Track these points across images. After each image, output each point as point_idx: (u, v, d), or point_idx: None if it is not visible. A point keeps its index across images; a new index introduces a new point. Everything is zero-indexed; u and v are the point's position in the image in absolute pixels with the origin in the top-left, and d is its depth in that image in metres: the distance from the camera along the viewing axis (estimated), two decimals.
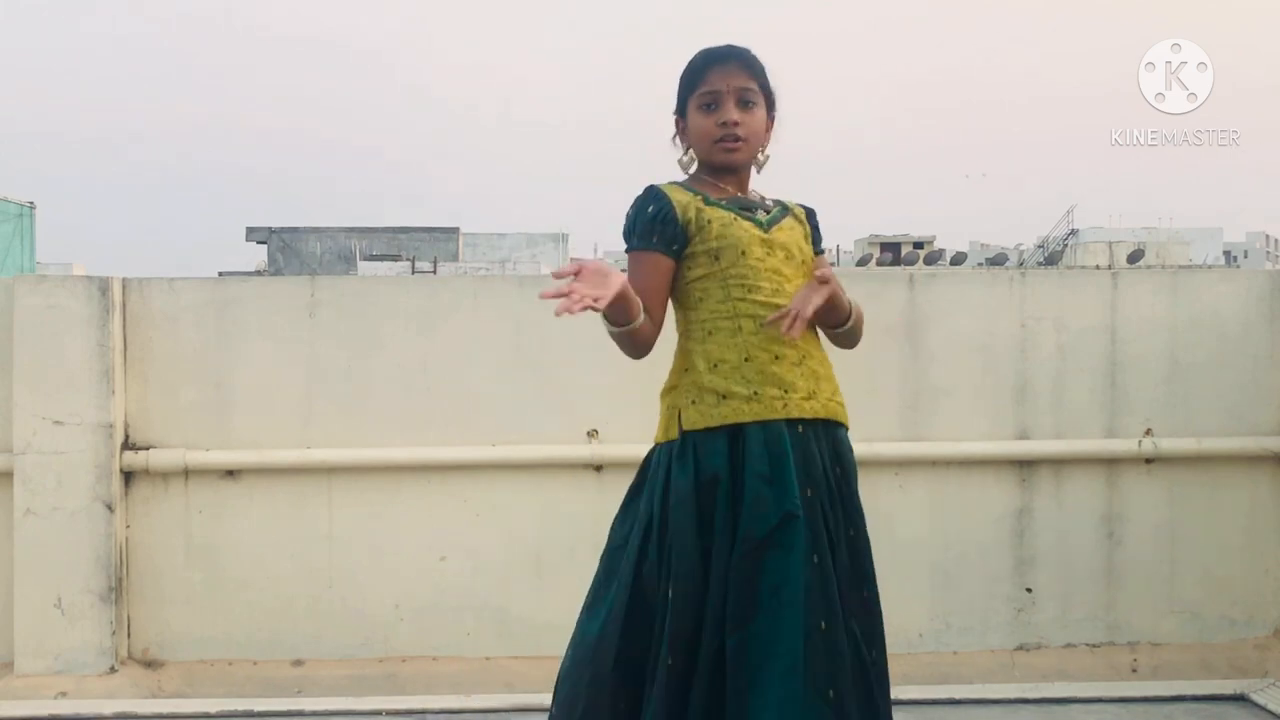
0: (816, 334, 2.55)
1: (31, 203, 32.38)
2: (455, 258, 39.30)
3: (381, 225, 42.12)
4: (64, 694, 3.88)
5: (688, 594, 2.33)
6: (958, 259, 45.51)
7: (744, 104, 2.49)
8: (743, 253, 2.43)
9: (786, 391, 2.40)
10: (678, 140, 2.58)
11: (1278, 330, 4.28)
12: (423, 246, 39.48)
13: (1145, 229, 45.45)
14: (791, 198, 2.66)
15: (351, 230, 41.77)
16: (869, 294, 4.24)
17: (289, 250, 40.61)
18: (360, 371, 4.15)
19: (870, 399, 4.19)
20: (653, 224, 2.45)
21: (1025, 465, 4.23)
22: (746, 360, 2.40)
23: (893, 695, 3.87)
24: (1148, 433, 4.24)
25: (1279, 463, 4.27)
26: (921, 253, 47.33)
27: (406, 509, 4.15)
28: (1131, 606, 4.24)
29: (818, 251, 2.63)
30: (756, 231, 2.46)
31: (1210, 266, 35.45)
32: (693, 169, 2.58)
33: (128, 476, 4.08)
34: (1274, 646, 4.22)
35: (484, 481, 4.15)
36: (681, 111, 2.55)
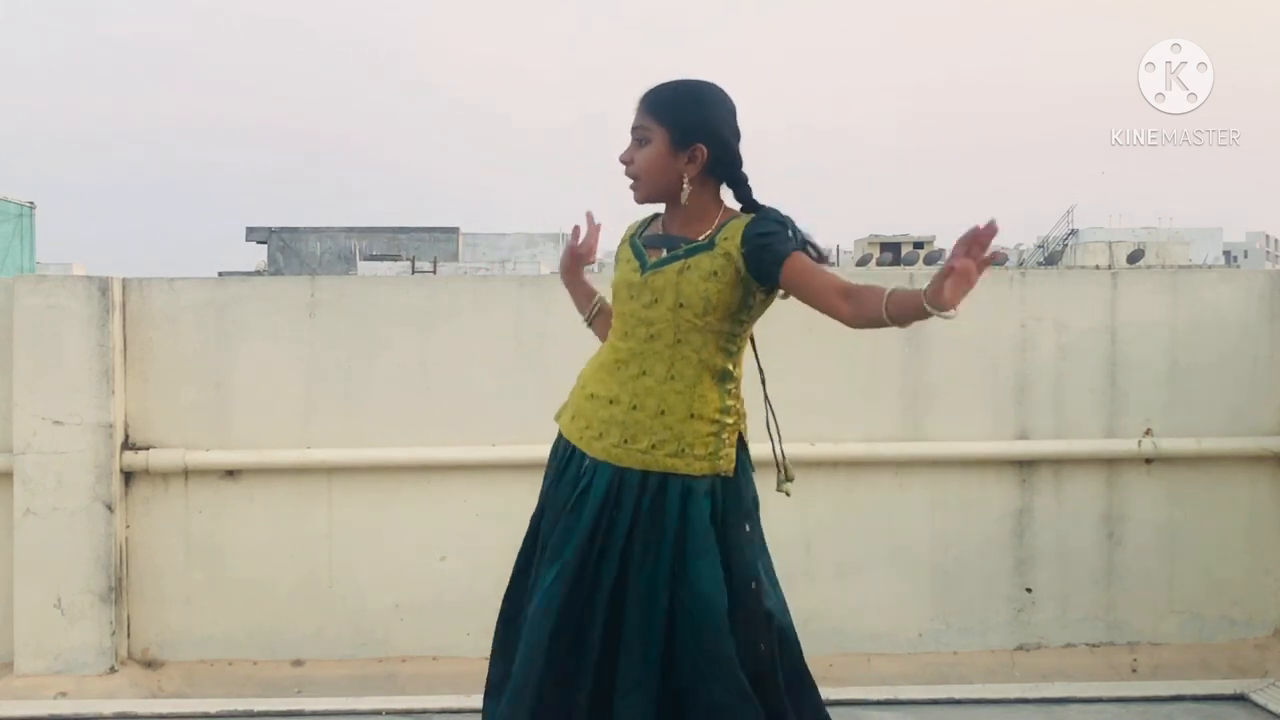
0: (696, 388, 2.50)
1: (31, 203, 32.38)
2: (455, 258, 39.32)
3: (381, 225, 42.14)
4: (64, 694, 3.88)
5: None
6: None
7: (639, 142, 2.57)
8: (615, 295, 2.63)
9: (590, 425, 2.59)
10: None
11: (1278, 330, 4.28)
12: (423, 246, 39.50)
13: (1145, 229, 45.42)
14: (788, 210, 2.56)
15: (351, 230, 41.80)
16: None
17: (289, 250, 40.62)
18: (360, 371, 4.15)
19: (870, 399, 4.20)
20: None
21: (1025, 465, 4.23)
22: (582, 386, 2.67)
23: (893, 695, 3.90)
24: (1148, 433, 4.24)
25: (1279, 463, 4.27)
26: (921, 253, 47.30)
27: (406, 509, 4.15)
28: (1131, 606, 4.24)
29: (775, 268, 2.45)
30: (632, 276, 2.58)
31: (1210, 266, 35.43)
32: None
33: (128, 476, 4.08)
34: (1274, 646, 4.22)
35: (484, 481, 4.15)
36: None
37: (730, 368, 2.55)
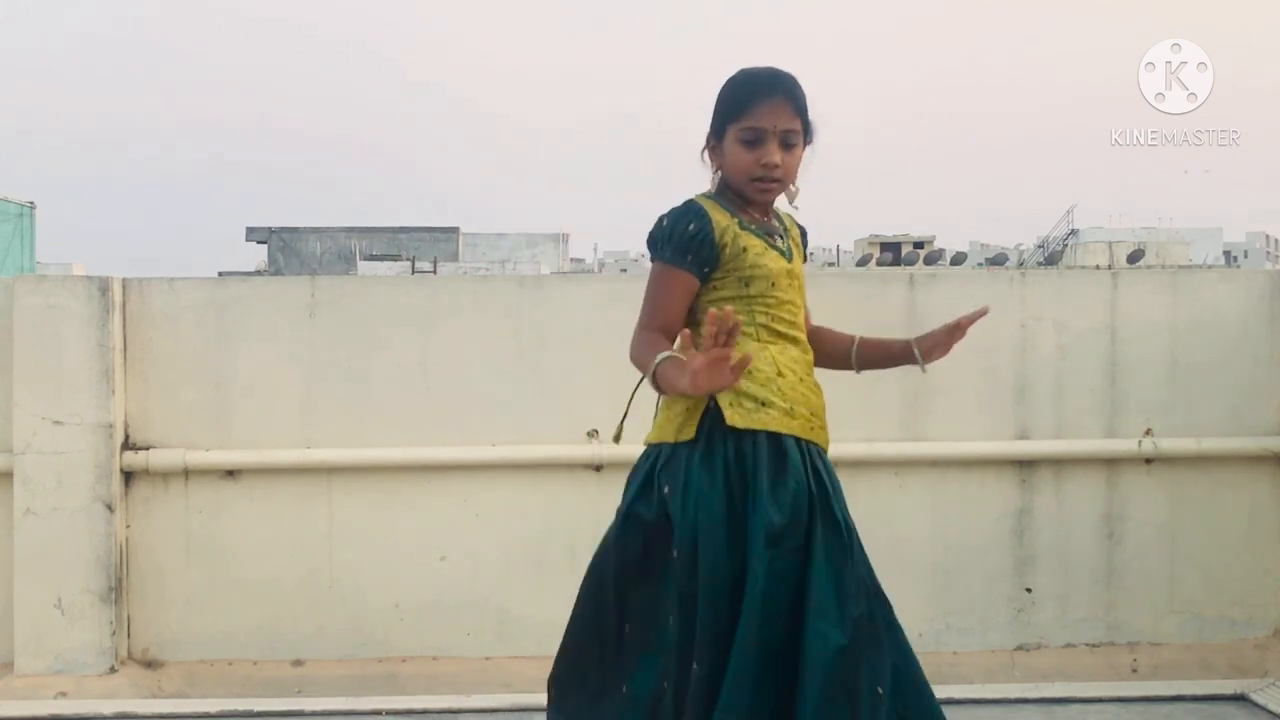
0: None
1: (31, 203, 32.38)
2: (455, 258, 39.33)
3: (381, 225, 42.15)
4: (64, 694, 3.88)
5: (720, 593, 2.31)
6: (958, 259, 45.52)
7: (786, 145, 2.44)
8: (772, 284, 2.45)
9: (812, 414, 2.48)
10: (706, 157, 2.53)
11: (1278, 330, 4.28)
12: (423, 246, 39.51)
13: (1145, 229, 45.43)
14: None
15: (351, 230, 41.81)
16: (869, 294, 4.26)
17: (289, 250, 40.63)
18: (360, 371, 4.15)
19: (870, 399, 4.19)
20: (690, 243, 2.40)
21: (1025, 465, 4.23)
22: (780, 375, 2.43)
23: None
24: (1148, 433, 4.24)
25: (1279, 463, 4.27)
26: (921, 253, 47.35)
27: (406, 509, 4.15)
28: (1131, 606, 4.24)
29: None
30: (783, 263, 2.48)
31: (1210, 266, 35.45)
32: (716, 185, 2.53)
33: (128, 476, 4.08)
34: (1274, 646, 4.21)
35: (484, 481, 4.15)
36: (719, 134, 2.48)
37: None
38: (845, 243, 51.28)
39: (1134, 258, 39.26)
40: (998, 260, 45.46)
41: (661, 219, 2.45)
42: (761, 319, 2.45)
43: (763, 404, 2.39)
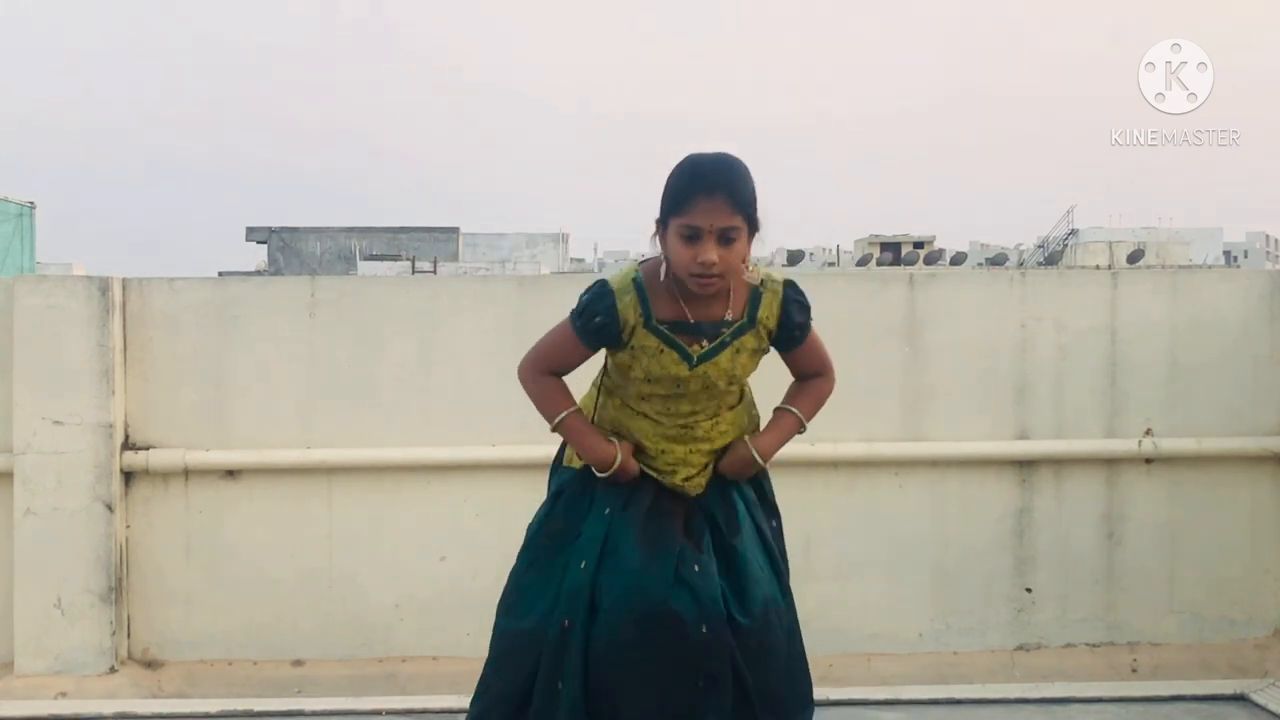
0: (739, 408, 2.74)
1: (31, 203, 32.38)
2: (455, 258, 39.32)
3: (381, 225, 42.13)
4: (64, 694, 3.88)
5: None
6: (958, 259, 45.55)
7: (725, 241, 2.48)
8: (649, 380, 2.60)
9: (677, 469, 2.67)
10: (656, 243, 2.60)
11: (1278, 330, 4.28)
12: (423, 246, 39.49)
13: (1145, 229, 45.43)
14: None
15: (351, 230, 41.79)
16: (869, 294, 4.26)
17: (289, 250, 40.62)
18: (360, 371, 4.15)
19: (870, 399, 4.19)
20: (593, 330, 2.61)
21: (1025, 465, 4.23)
22: (619, 437, 2.69)
23: (893, 695, 3.90)
24: (1148, 433, 4.24)
25: (1279, 463, 4.27)
26: (921, 253, 47.36)
27: (406, 509, 4.15)
28: (1131, 606, 4.24)
29: (793, 348, 2.72)
30: (677, 370, 2.58)
31: (1210, 266, 35.45)
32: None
33: (128, 476, 4.08)
34: (1274, 646, 4.21)
35: (484, 481, 4.15)
36: (664, 224, 2.54)
37: (749, 394, 2.79)
38: (845, 243, 51.34)
39: (1134, 258, 39.27)
40: (998, 260, 45.48)
41: (584, 293, 2.63)
42: (636, 393, 2.65)
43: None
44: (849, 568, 4.20)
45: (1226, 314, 4.29)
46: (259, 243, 41.50)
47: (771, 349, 2.70)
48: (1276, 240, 58.39)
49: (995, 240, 52.77)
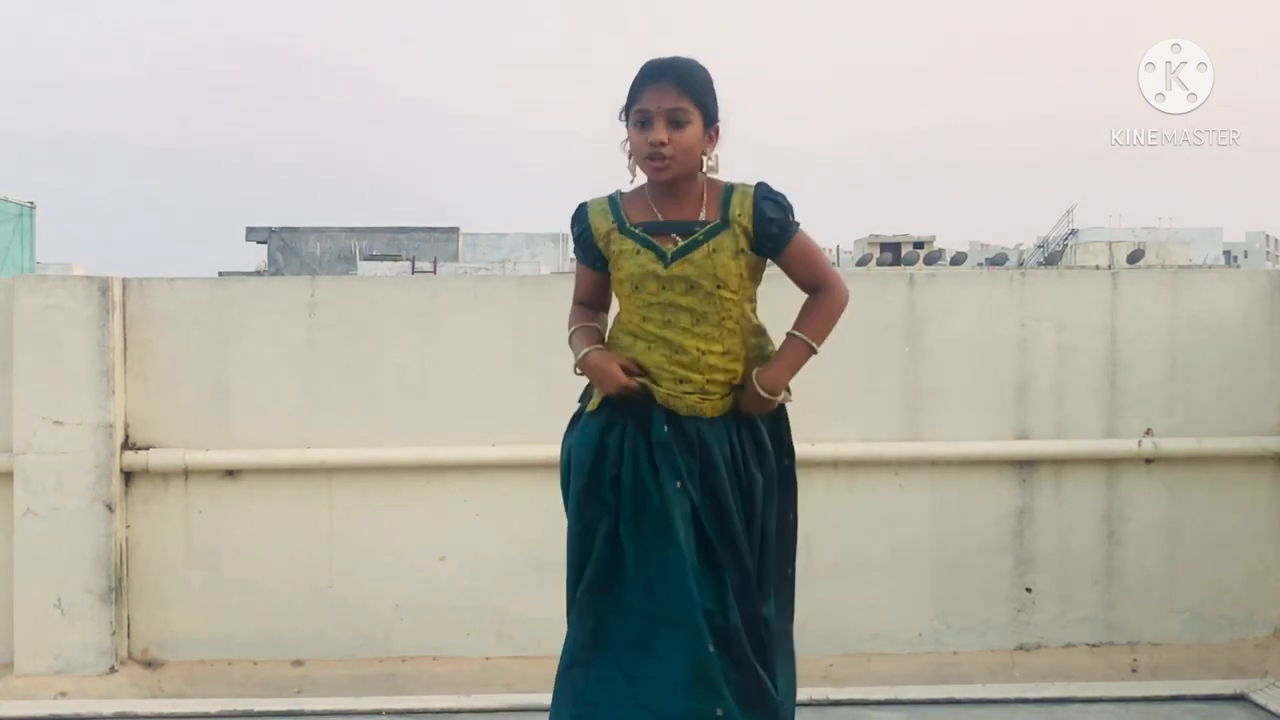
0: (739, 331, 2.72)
1: (31, 203, 32.38)
2: (455, 258, 39.30)
3: (381, 225, 42.11)
4: (64, 694, 3.88)
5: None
6: (958, 259, 45.53)
7: (674, 124, 2.60)
8: (635, 287, 2.67)
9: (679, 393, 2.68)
10: (625, 147, 2.71)
11: (1278, 330, 4.28)
12: (423, 246, 39.47)
13: (1145, 229, 45.40)
14: (781, 184, 2.71)
15: (351, 230, 41.77)
16: (869, 294, 4.25)
17: (289, 250, 40.61)
18: (360, 371, 4.15)
19: (870, 399, 4.20)
20: (578, 243, 2.79)
21: (1025, 465, 4.23)
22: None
23: (893, 695, 3.91)
24: (1148, 433, 4.24)
25: (1279, 463, 4.27)
26: (921, 253, 47.36)
27: (406, 509, 4.15)
28: (1131, 606, 4.24)
29: (779, 250, 2.70)
30: (653, 266, 2.64)
31: (1210, 266, 35.42)
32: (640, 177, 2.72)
33: (128, 476, 4.08)
34: (1274, 646, 4.21)
35: (484, 481, 4.15)
36: (626, 121, 2.69)
37: (761, 325, 2.78)
38: (845, 243, 51.29)
39: (1134, 258, 39.25)
40: (998, 260, 45.44)
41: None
42: (636, 318, 2.69)
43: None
44: (849, 568, 4.20)
45: (1226, 314, 4.29)
46: (259, 243, 41.49)
47: (765, 259, 2.73)
48: (1276, 240, 58.34)
49: (995, 240, 52.75)
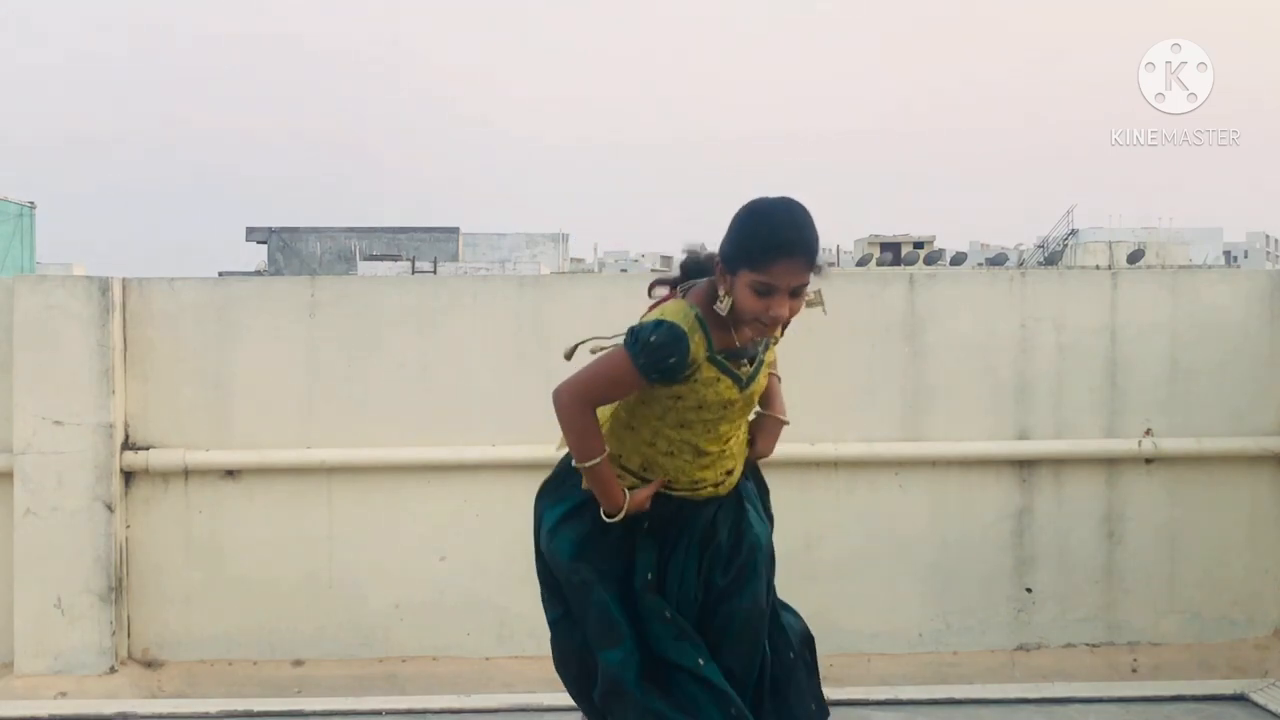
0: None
1: (32, 203, 32.40)
2: (455, 258, 39.30)
3: (381, 225, 42.12)
4: (64, 694, 3.88)
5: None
6: (958, 259, 45.54)
7: (795, 295, 2.53)
8: (707, 408, 2.63)
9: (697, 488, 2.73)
10: (722, 289, 2.57)
11: (1278, 330, 4.28)
12: (423, 246, 39.48)
13: (1145, 229, 45.41)
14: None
15: (351, 230, 41.77)
16: (869, 294, 4.26)
17: (289, 250, 40.62)
18: (360, 371, 4.15)
19: (870, 399, 4.20)
20: (664, 368, 2.57)
21: (1025, 465, 4.23)
22: (646, 470, 2.71)
23: (893, 695, 3.91)
24: (1148, 433, 4.24)
25: (1279, 463, 4.27)
26: (921, 253, 47.36)
27: (406, 509, 4.15)
28: (1131, 606, 4.24)
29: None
30: (731, 394, 2.64)
31: (1210, 266, 35.42)
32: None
33: (128, 476, 4.08)
34: (1274, 646, 4.22)
35: (484, 481, 4.15)
36: (730, 268, 2.54)
37: None
38: (845, 243, 51.31)
39: (1134, 258, 39.24)
40: (998, 260, 45.43)
41: (650, 333, 2.56)
42: (686, 432, 2.66)
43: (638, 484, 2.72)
44: (849, 568, 4.20)
45: (1226, 314, 4.29)
46: (259, 243, 41.49)
47: None
48: (1276, 240, 58.37)
49: (995, 240, 52.80)
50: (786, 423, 2.86)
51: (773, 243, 2.49)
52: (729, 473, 2.74)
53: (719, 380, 2.61)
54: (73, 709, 3.80)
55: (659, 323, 2.57)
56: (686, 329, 2.56)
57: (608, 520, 2.67)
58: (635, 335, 2.58)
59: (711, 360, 2.59)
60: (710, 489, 2.72)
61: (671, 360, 2.55)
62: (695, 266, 2.71)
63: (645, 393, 2.64)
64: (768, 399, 2.85)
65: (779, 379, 2.87)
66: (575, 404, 2.67)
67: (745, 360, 2.64)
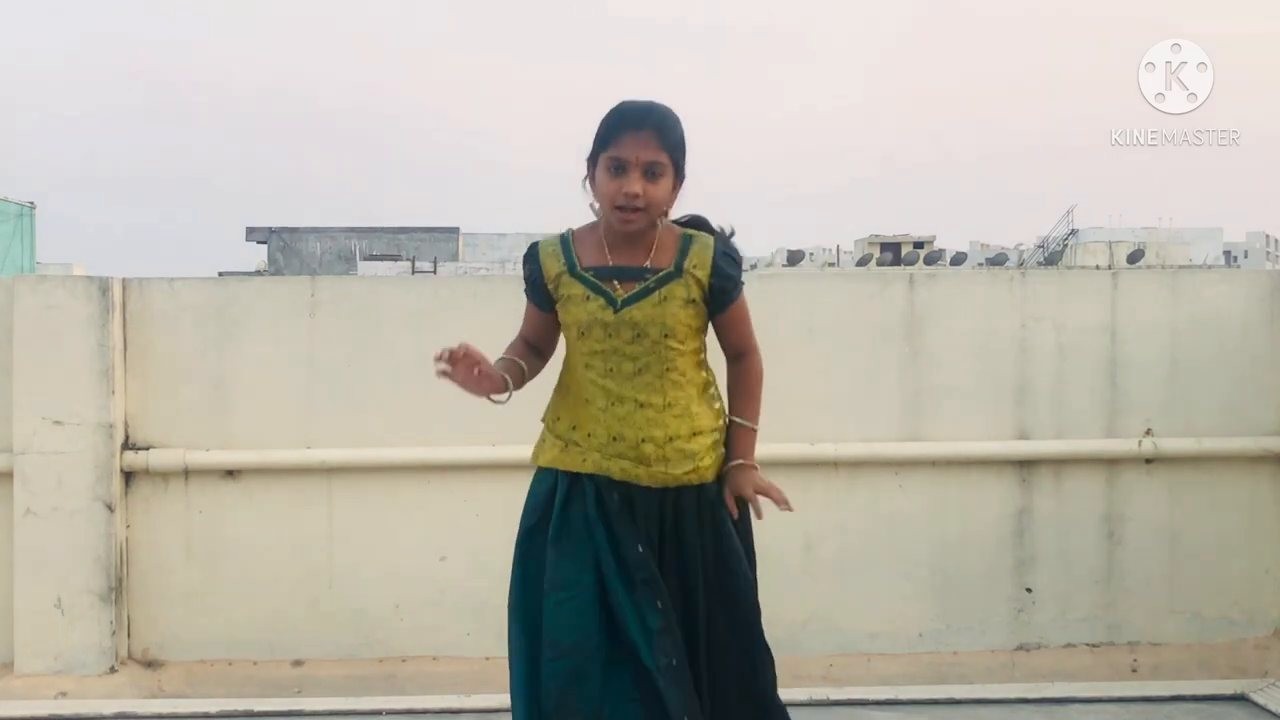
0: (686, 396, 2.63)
1: (32, 203, 32.40)
2: (455, 258, 39.32)
3: (381, 225, 42.13)
4: (64, 694, 3.88)
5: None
6: (958, 259, 45.53)
7: (649, 175, 2.53)
8: (582, 333, 2.61)
9: (628, 458, 2.60)
10: (587, 185, 2.63)
11: (1278, 330, 4.28)
12: (423, 246, 39.50)
13: (1145, 229, 45.42)
14: (736, 226, 2.68)
15: (351, 230, 41.79)
16: (869, 294, 4.26)
17: (289, 250, 40.62)
18: (360, 371, 4.15)
19: (870, 399, 4.20)
20: (527, 283, 2.75)
21: (1025, 465, 4.23)
22: (572, 429, 2.67)
23: (893, 695, 3.91)
24: (1148, 433, 4.24)
25: (1279, 463, 4.27)
26: (921, 253, 47.34)
27: (406, 509, 4.15)
28: (1131, 606, 4.24)
29: (724, 307, 2.63)
30: (602, 314, 2.58)
31: (1210, 266, 35.43)
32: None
33: (128, 476, 4.08)
34: (1274, 646, 4.21)
35: (484, 481, 4.15)
36: (592, 163, 2.60)
37: (710, 377, 2.69)
38: (845, 243, 51.29)
39: (1134, 258, 39.26)
40: (998, 260, 45.43)
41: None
42: (580, 364, 2.64)
43: (565, 446, 2.69)
44: (849, 568, 4.20)
45: (1226, 314, 4.29)
46: (259, 243, 41.51)
47: (707, 312, 2.65)
48: (1276, 240, 58.33)
49: (995, 240, 52.72)
50: (752, 428, 2.68)
51: (620, 117, 2.56)
52: (659, 445, 2.57)
53: (588, 299, 2.59)
54: (73, 709, 3.80)
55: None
56: (542, 243, 2.74)
57: (494, 401, 2.73)
58: None
59: (574, 275, 2.62)
60: (634, 463, 2.57)
61: (527, 269, 2.72)
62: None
63: (563, 332, 2.71)
64: (734, 398, 2.71)
65: (758, 376, 2.71)
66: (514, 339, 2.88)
67: (628, 280, 2.58)
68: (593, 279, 2.60)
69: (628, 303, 2.57)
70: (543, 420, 2.79)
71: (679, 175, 2.60)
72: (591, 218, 2.66)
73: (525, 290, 2.78)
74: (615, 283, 2.59)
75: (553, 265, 2.66)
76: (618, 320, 2.57)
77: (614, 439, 2.60)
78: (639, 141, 2.52)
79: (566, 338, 2.69)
